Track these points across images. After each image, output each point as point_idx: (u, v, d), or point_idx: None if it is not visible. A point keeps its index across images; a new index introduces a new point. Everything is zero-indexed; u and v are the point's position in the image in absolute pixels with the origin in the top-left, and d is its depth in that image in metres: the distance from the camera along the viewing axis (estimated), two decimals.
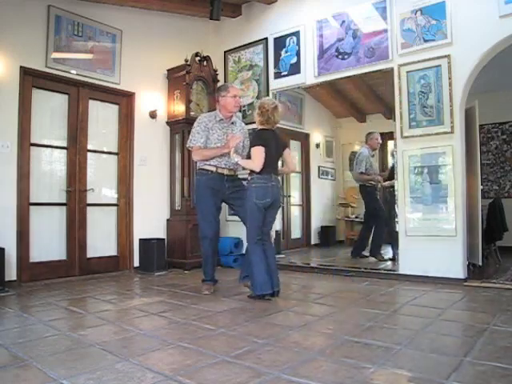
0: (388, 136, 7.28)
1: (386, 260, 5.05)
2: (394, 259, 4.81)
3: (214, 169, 3.43)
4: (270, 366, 1.81)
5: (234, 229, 5.23)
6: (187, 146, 3.56)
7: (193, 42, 5.37)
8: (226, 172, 3.47)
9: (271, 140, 3.20)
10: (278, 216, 6.14)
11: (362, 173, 5.26)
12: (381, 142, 5.53)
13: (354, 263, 5.04)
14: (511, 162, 6.69)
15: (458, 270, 3.71)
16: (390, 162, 6.71)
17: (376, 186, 5.31)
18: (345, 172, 8.19)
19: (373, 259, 5.13)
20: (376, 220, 5.29)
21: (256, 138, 3.21)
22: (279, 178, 3.38)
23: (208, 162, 3.43)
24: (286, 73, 4.95)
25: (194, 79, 5.11)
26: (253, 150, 3.15)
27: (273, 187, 3.18)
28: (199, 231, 3.58)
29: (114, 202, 4.78)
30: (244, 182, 3.51)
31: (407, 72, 4.00)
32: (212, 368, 1.80)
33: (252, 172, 3.18)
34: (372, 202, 5.32)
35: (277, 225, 5.68)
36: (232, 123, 3.57)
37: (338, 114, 7.94)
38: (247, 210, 3.21)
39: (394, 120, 4.18)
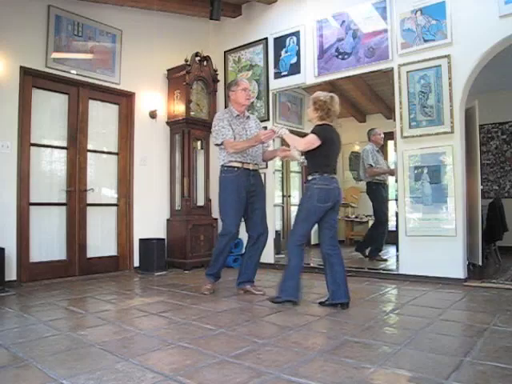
0: (388, 136, 7.31)
1: (385, 260, 5.05)
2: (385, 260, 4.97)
3: (240, 165, 3.35)
4: (270, 365, 1.81)
5: None
6: (216, 142, 3.42)
7: (193, 42, 5.37)
8: (251, 167, 3.41)
9: (334, 136, 3.00)
10: (278, 216, 6.16)
11: (370, 166, 5.11)
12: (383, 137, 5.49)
13: (353, 263, 5.04)
14: (511, 162, 6.69)
15: (457, 270, 3.71)
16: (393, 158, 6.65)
17: (383, 183, 5.24)
18: (345, 172, 8.20)
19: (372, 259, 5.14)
20: (376, 220, 5.29)
21: (321, 130, 2.94)
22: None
23: (234, 159, 3.35)
24: (285, 73, 4.95)
25: (194, 79, 5.11)
26: (309, 135, 2.91)
27: (335, 189, 2.95)
28: (222, 228, 3.44)
29: (114, 202, 4.78)
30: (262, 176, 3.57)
31: (407, 72, 4.01)
32: (212, 368, 1.80)
33: (314, 172, 2.94)
34: (374, 200, 5.29)
35: (277, 225, 5.69)
36: (247, 118, 3.54)
37: (338, 114, 7.92)
38: (302, 210, 2.99)
39: (394, 120, 4.18)
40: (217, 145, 3.43)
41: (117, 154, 4.81)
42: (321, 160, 2.94)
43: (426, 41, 3.91)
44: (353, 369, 1.77)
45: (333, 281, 2.90)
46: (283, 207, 6.63)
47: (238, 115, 3.46)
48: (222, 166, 3.42)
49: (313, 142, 2.88)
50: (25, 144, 3.96)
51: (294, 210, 6.89)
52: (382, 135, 5.43)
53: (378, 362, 1.84)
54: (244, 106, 3.49)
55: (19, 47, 3.90)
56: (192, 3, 5.06)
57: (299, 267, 2.98)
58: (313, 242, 7.16)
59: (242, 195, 3.35)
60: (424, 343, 2.10)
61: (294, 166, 7.11)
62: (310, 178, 2.97)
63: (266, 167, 4.95)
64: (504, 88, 6.27)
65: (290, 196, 6.85)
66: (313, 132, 2.93)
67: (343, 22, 4.47)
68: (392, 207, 5.16)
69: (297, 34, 4.84)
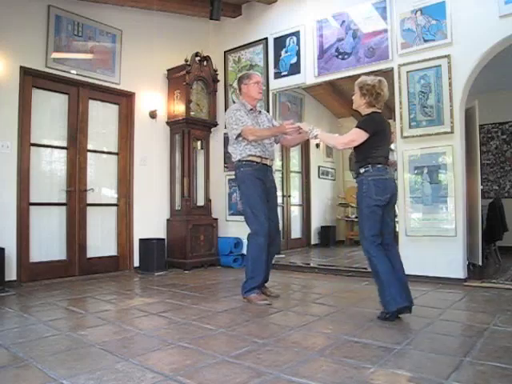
0: None
1: None
2: None
3: (259, 160, 3.19)
4: (270, 365, 1.81)
5: (234, 229, 5.23)
6: (235, 132, 3.15)
7: (193, 42, 5.37)
8: (268, 163, 3.28)
9: (385, 124, 2.74)
10: (278, 216, 6.16)
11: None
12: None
13: (353, 263, 5.04)
14: (511, 162, 6.69)
15: (458, 270, 3.71)
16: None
17: None
18: (345, 172, 8.20)
19: None
20: None
21: (369, 121, 2.68)
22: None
23: (253, 153, 3.18)
24: (286, 73, 4.95)
25: (194, 79, 5.11)
26: (353, 130, 2.67)
27: (390, 180, 2.69)
28: (254, 228, 3.13)
29: (114, 202, 4.78)
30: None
31: (407, 72, 4.01)
32: (212, 368, 1.80)
33: (366, 164, 2.65)
34: None
35: None
36: (259, 113, 3.43)
37: (338, 114, 7.95)
38: (362, 209, 2.67)
39: (394, 120, 4.18)
40: (235, 137, 3.16)
41: (117, 154, 4.81)
42: (372, 151, 2.66)
43: (426, 41, 3.91)
44: (353, 369, 1.77)
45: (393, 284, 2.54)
46: (283, 207, 6.64)
47: (251, 109, 3.33)
48: (240, 160, 3.20)
49: (356, 138, 2.65)
50: (25, 144, 3.95)
51: (294, 210, 6.97)
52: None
53: (378, 362, 1.84)
54: (256, 100, 3.37)
55: (19, 47, 3.89)
56: (192, 3, 5.06)
57: (388, 268, 2.56)
58: (313, 242, 7.18)
59: (263, 190, 3.18)
60: (424, 343, 2.10)
61: (294, 166, 7.12)
62: (362, 170, 2.68)
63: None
64: (504, 88, 6.27)
65: (290, 196, 6.86)
66: (357, 126, 2.67)
67: (343, 21, 4.47)
68: None
69: (297, 34, 4.84)
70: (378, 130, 2.66)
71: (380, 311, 2.60)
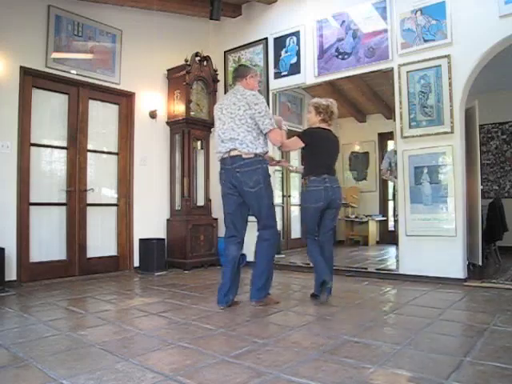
0: (388, 136, 7.31)
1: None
2: None
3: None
4: (270, 365, 1.81)
5: None
6: (269, 127, 2.93)
7: (193, 42, 5.37)
8: None
9: (325, 137, 3.16)
10: (279, 216, 6.16)
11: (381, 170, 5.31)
12: None
13: (353, 263, 5.04)
14: (511, 162, 6.69)
15: (458, 270, 3.71)
16: None
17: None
18: (345, 172, 8.20)
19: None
20: None
21: (307, 133, 3.19)
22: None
23: (268, 149, 3.08)
24: (285, 73, 4.95)
25: (194, 79, 5.11)
26: (294, 136, 3.14)
27: (327, 189, 3.04)
28: (273, 229, 3.06)
29: (114, 202, 4.78)
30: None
31: (407, 72, 4.00)
32: (212, 368, 1.80)
33: (306, 175, 3.13)
34: None
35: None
36: None
37: (338, 114, 7.87)
38: (302, 211, 3.25)
39: (394, 120, 4.18)
40: (266, 131, 2.94)
41: (117, 154, 4.81)
42: (312, 162, 3.14)
43: (426, 41, 3.91)
44: (353, 369, 1.77)
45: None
46: (283, 207, 6.64)
47: None
48: (259, 155, 2.95)
49: (290, 145, 3.15)
50: (25, 144, 3.95)
51: (294, 210, 6.96)
52: None
53: (378, 362, 1.84)
54: None
55: (19, 47, 3.89)
56: (192, 3, 5.06)
57: (317, 254, 3.11)
58: None
59: None
60: (424, 343, 2.10)
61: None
62: (305, 180, 3.15)
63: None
64: (504, 88, 6.27)
65: (290, 196, 6.86)
66: (297, 134, 3.15)
67: (343, 21, 4.47)
68: (390, 207, 5.17)
69: (297, 34, 4.84)
70: (314, 142, 3.11)
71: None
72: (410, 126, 3.99)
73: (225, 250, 3.06)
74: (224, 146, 2.98)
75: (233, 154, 2.93)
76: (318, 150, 3.11)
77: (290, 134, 3.25)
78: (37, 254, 4.05)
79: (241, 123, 2.92)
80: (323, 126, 3.17)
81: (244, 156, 2.91)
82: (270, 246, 3.03)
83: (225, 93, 5.50)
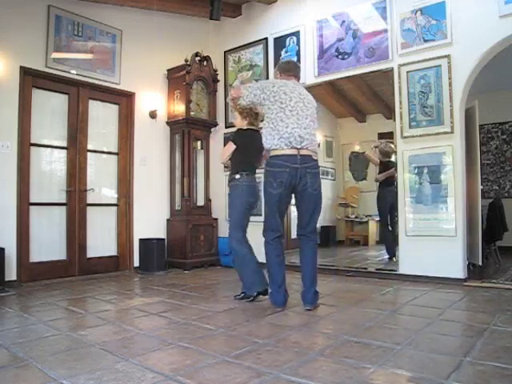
0: (388, 136, 7.31)
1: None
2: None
3: None
4: (270, 365, 1.81)
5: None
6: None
7: (193, 42, 5.37)
8: None
9: (251, 137, 3.26)
10: None
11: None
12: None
13: (353, 263, 5.04)
14: (511, 162, 6.69)
15: (458, 270, 3.71)
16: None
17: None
18: (345, 172, 8.20)
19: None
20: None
21: (236, 135, 3.31)
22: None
23: None
24: None
25: (194, 79, 5.11)
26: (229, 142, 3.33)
27: (256, 187, 3.26)
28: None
29: (114, 202, 4.78)
30: None
31: (407, 72, 4.00)
32: (212, 368, 1.80)
33: (238, 171, 3.22)
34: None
35: None
36: None
37: (338, 114, 7.95)
38: (234, 207, 3.27)
39: (394, 120, 4.18)
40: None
41: (117, 154, 4.81)
42: (242, 160, 3.24)
43: (426, 41, 3.91)
44: (353, 369, 1.77)
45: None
46: None
47: None
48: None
49: (226, 150, 3.31)
50: (25, 144, 3.96)
51: (294, 210, 6.93)
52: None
53: (378, 362, 1.84)
54: None
55: (19, 47, 3.89)
56: (192, 3, 5.06)
57: (246, 257, 3.22)
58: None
59: None
60: (424, 343, 2.10)
61: None
62: (237, 176, 3.20)
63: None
64: (504, 88, 6.27)
65: None
66: (230, 139, 3.34)
67: (343, 21, 4.47)
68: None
69: (297, 34, 4.84)
70: (243, 142, 3.23)
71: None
72: (410, 126, 3.99)
73: (274, 251, 3.13)
74: (299, 141, 2.75)
75: (303, 152, 2.77)
76: (246, 150, 3.23)
77: None
78: (37, 254, 4.05)
79: (312, 122, 2.87)
80: (252, 126, 3.30)
81: (314, 157, 2.85)
82: (317, 249, 3.06)
83: (225, 93, 5.48)
